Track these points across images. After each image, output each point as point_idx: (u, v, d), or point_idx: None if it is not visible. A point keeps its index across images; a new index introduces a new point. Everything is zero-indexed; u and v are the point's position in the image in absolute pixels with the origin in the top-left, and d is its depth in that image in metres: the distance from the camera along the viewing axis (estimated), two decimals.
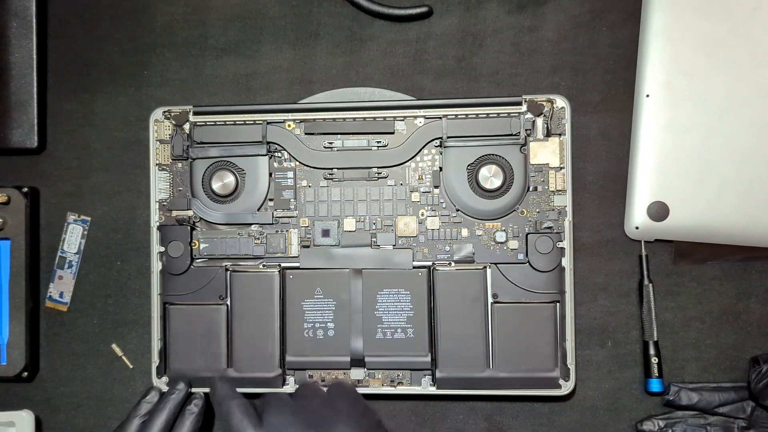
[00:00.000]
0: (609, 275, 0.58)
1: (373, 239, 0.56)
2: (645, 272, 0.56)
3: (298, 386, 0.55)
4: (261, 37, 0.60)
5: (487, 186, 0.55)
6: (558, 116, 0.55)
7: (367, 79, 0.60)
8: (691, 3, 0.55)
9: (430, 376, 0.56)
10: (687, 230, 0.55)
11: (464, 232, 0.56)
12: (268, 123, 0.56)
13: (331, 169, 0.56)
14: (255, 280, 0.56)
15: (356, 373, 0.56)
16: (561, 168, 0.55)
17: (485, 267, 0.55)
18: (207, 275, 0.56)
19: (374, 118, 0.56)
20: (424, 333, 0.55)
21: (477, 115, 0.55)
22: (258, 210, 0.57)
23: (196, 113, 0.57)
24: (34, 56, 0.60)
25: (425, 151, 0.56)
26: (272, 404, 0.50)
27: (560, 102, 0.55)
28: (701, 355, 0.57)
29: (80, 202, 0.61)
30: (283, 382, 0.56)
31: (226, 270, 0.56)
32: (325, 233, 0.56)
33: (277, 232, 0.57)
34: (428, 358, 0.55)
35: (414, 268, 0.55)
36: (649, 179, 0.55)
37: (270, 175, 0.57)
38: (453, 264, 0.55)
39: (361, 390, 0.56)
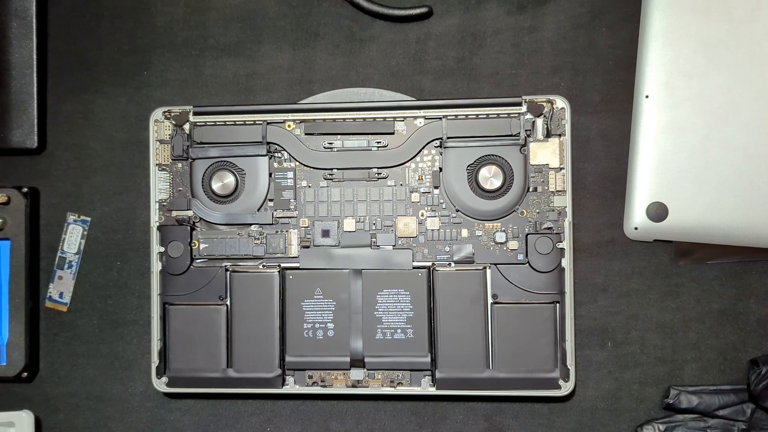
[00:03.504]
0: (609, 276, 0.58)
1: (373, 240, 0.56)
2: None
3: None
4: (261, 37, 0.60)
5: (487, 186, 0.55)
6: (558, 117, 0.55)
7: (367, 80, 0.60)
8: (691, 4, 0.55)
9: (430, 377, 0.56)
10: (686, 231, 0.55)
11: (464, 233, 0.56)
12: (268, 123, 0.56)
13: (331, 169, 0.56)
14: (255, 281, 0.56)
15: (356, 374, 0.56)
16: (561, 168, 0.55)
17: (485, 267, 0.55)
18: (207, 275, 0.56)
19: (374, 118, 0.56)
20: (423, 333, 0.55)
21: (477, 115, 0.55)
22: (258, 210, 0.57)
23: (196, 113, 0.57)
24: (34, 56, 0.60)
25: (425, 151, 0.56)
26: None
27: (560, 102, 0.55)
28: (701, 356, 0.57)
29: (80, 202, 0.61)
30: (283, 383, 0.56)
31: (226, 270, 0.56)
32: (325, 233, 0.56)
33: (277, 232, 0.57)
34: (428, 359, 0.55)
35: (414, 268, 0.55)
36: (648, 180, 0.55)
37: (270, 175, 0.57)
38: (453, 264, 0.55)
39: (360, 390, 0.56)
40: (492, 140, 0.55)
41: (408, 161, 0.56)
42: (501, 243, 0.55)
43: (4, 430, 0.58)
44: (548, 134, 0.55)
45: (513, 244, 0.55)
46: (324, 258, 0.56)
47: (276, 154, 0.57)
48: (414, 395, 0.57)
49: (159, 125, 0.57)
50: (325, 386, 0.56)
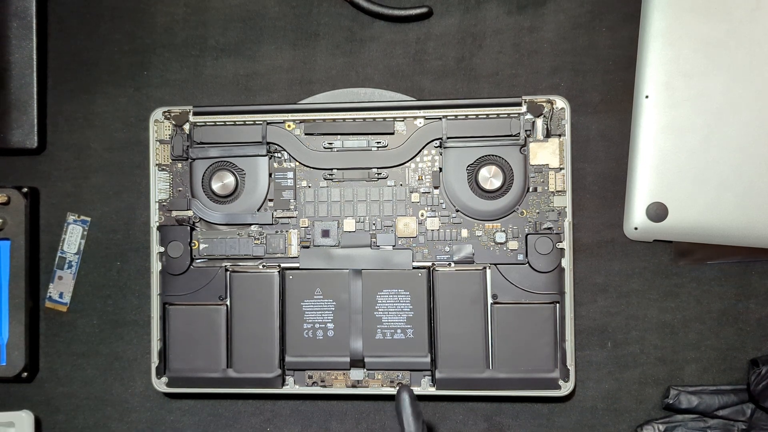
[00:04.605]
0: (608, 276, 0.58)
1: (373, 240, 0.56)
2: None
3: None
4: (261, 37, 0.60)
5: (487, 187, 0.55)
6: (558, 117, 0.55)
7: (367, 80, 0.60)
8: (691, 4, 0.55)
9: (430, 377, 0.56)
10: (686, 231, 0.55)
11: (464, 233, 0.56)
12: (268, 123, 0.56)
13: (331, 169, 0.56)
14: (255, 281, 0.56)
15: (356, 374, 0.56)
16: (561, 169, 0.55)
17: (485, 267, 0.55)
18: (207, 275, 0.56)
19: (374, 118, 0.56)
20: (423, 333, 0.55)
21: (477, 115, 0.55)
22: (258, 210, 0.57)
23: (196, 113, 0.57)
24: (34, 56, 0.60)
25: (425, 151, 0.56)
26: None
27: (560, 103, 0.55)
28: (701, 356, 0.57)
29: (80, 202, 0.61)
30: (283, 383, 0.56)
31: (226, 270, 0.56)
32: (325, 234, 0.56)
33: (276, 232, 0.57)
34: (428, 359, 0.55)
35: (414, 268, 0.55)
36: (648, 180, 0.55)
37: (270, 175, 0.57)
38: (453, 264, 0.55)
39: (360, 390, 0.56)
40: (492, 140, 0.55)
41: (408, 161, 0.56)
42: (501, 243, 0.55)
43: (4, 430, 0.58)
44: (548, 134, 0.55)
45: (513, 244, 0.55)
46: (324, 258, 0.56)
47: (276, 154, 0.57)
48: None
49: (159, 125, 0.57)
50: (325, 386, 0.56)
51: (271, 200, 0.57)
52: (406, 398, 0.46)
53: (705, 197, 0.55)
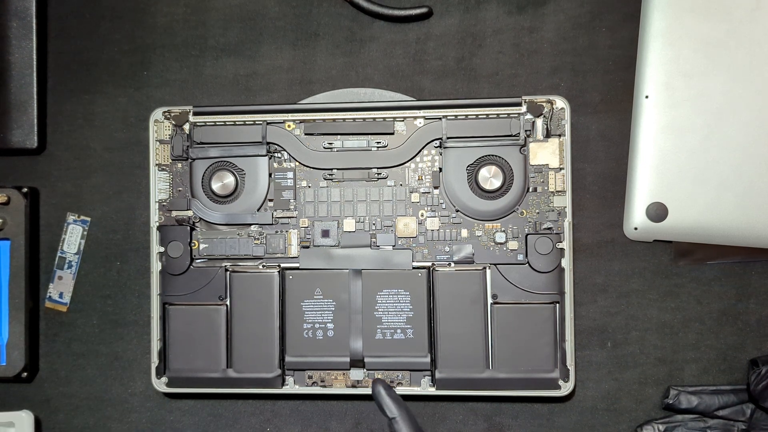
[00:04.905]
0: (608, 276, 0.58)
1: (373, 240, 0.56)
2: None
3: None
4: (261, 37, 0.60)
5: (487, 187, 0.55)
6: (558, 117, 0.55)
7: (367, 80, 0.60)
8: (691, 4, 0.55)
9: (430, 377, 0.56)
10: (686, 231, 0.55)
11: (464, 233, 0.56)
12: (267, 123, 0.56)
13: (331, 169, 0.56)
14: (254, 281, 0.56)
15: (356, 374, 0.56)
16: (561, 169, 0.55)
17: (485, 268, 0.55)
18: (207, 275, 0.56)
19: (374, 118, 0.56)
20: (423, 334, 0.55)
21: (477, 115, 0.55)
22: (258, 210, 0.57)
23: (196, 113, 0.57)
24: (34, 56, 0.60)
25: (425, 151, 0.56)
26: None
27: (560, 103, 0.55)
28: (701, 357, 0.57)
29: (80, 203, 0.61)
30: (283, 383, 0.56)
31: (226, 270, 0.56)
32: (325, 234, 0.56)
33: (276, 232, 0.57)
34: (428, 359, 0.55)
35: (414, 268, 0.55)
36: (648, 180, 0.55)
37: (270, 175, 0.57)
38: (453, 264, 0.55)
39: (360, 390, 0.56)
40: (492, 140, 0.55)
41: (408, 161, 0.56)
42: (501, 243, 0.55)
43: (4, 430, 0.58)
44: (548, 134, 0.55)
45: (513, 245, 0.55)
46: (324, 258, 0.56)
47: (276, 154, 0.57)
48: (414, 395, 0.57)
49: (159, 125, 0.57)
50: (324, 386, 0.56)
51: (271, 200, 0.57)
52: (380, 389, 0.48)
53: (705, 197, 0.55)
